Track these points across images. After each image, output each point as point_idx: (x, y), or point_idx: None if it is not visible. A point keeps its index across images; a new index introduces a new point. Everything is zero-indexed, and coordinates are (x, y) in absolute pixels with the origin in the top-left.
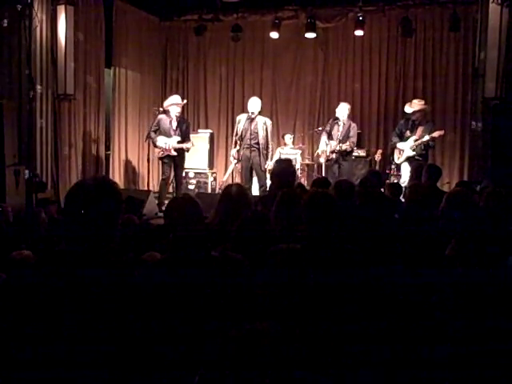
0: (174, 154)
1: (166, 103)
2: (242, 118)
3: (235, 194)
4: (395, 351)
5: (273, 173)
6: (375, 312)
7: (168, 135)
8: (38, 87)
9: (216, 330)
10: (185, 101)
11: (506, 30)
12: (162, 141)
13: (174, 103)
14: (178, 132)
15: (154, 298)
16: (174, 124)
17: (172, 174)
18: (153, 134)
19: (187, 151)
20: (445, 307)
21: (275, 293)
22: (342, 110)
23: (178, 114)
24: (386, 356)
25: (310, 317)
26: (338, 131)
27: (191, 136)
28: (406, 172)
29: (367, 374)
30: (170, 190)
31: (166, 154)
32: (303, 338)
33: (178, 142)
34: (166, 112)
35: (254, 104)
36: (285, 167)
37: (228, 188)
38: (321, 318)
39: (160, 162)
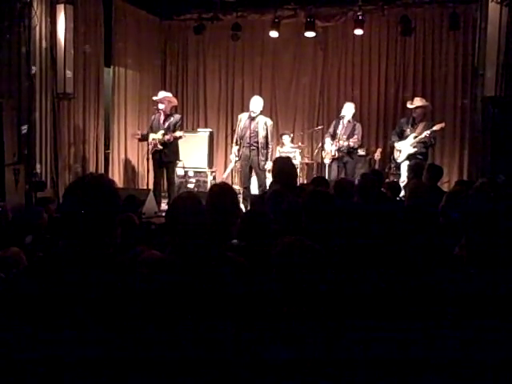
0: (160, 147)
1: None
2: (242, 117)
3: (217, 194)
4: (399, 355)
5: (274, 171)
6: (378, 313)
7: (156, 131)
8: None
9: (216, 330)
10: (163, 94)
11: (506, 28)
12: (151, 137)
13: (156, 99)
14: (166, 126)
15: (154, 297)
16: (162, 119)
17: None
18: (146, 134)
19: (169, 142)
20: (446, 308)
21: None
22: (348, 110)
23: (163, 108)
24: (385, 357)
25: (311, 317)
26: (342, 129)
27: (191, 135)
28: (405, 171)
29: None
30: None
31: (153, 148)
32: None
33: (163, 135)
34: (157, 110)
35: (256, 103)
36: (286, 165)
37: (210, 189)
38: (322, 317)
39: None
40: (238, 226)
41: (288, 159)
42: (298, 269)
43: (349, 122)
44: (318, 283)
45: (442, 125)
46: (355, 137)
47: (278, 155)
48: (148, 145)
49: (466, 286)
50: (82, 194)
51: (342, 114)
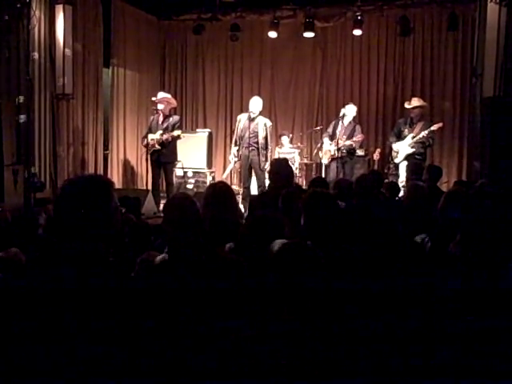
0: (158, 147)
1: None
2: (242, 118)
3: (214, 192)
4: (394, 352)
5: (271, 172)
6: (375, 313)
7: (155, 131)
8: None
9: (215, 331)
10: (163, 95)
11: (505, 28)
12: (149, 137)
13: (155, 100)
14: (164, 126)
15: (152, 298)
16: (161, 119)
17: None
18: (144, 135)
19: (167, 141)
20: (446, 307)
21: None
22: (350, 111)
23: (162, 109)
24: (385, 357)
25: (308, 317)
26: (342, 129)
27: (190, 135)
28: (404, 171)
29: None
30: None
31: (151, 149)
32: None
33: (161, 135)
34: (156, 110)
35: (256, 103)
36: (283, 166)
37: (208, 189)
38: (319, 318)
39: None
40: (241, 227)
41: (285, 160)
42: (295, 272)
43: (349, 123)
44: (315, 286)
45: (440, 125)
46: (358, 136)
47: (276, 156)
48: (147, 145)
49: (462, 284)
50: (74, 194)
51: (343, 113)
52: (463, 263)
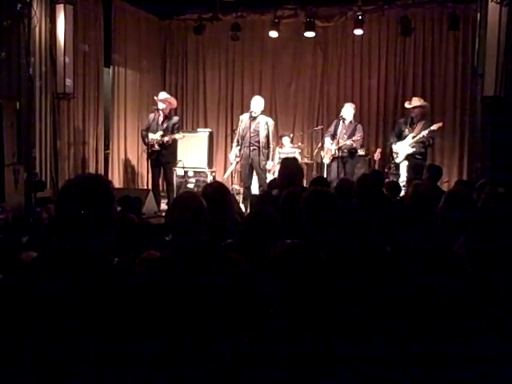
0: (157, 148)
1: None
2: (244, 118)
3: (210, 192)
4: (395, 351)
5: (280, 171)
6: (376, 313)
7: (154, 131)
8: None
9: (215, 330)
10: (165, 95)
11: (505, 28)
12: (149, 136)
13: (157, 99)
14: (164, 127)
15: (152, 295)
16: (161, 119)
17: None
18: (143, 133)
19: (168, 143)
20: (446, 307)
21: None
22: (348, 111)
23: (163, 109)
24: (384, 356)
25: (311, 316)
26: (343, 129)
27: (191, 135)
28: (405, 171)
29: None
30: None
31: (151, 149)
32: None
33: (162, 136)
34: (156, 110)
35: (257, 103)
36: (292, 165)
37: (203, 189)
38: (321, 317)
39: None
40: (241, 225)
41: (294, 159)
42: (296, 275)
43: (350, 122)
44: (317, 288)
45: (440, 124)
46: (358, 135)
47: (277, 156)
48: (148, 144)
49: (464, 285)
50: (75, 194)
51: (342, 115)
52: (468, 263)
